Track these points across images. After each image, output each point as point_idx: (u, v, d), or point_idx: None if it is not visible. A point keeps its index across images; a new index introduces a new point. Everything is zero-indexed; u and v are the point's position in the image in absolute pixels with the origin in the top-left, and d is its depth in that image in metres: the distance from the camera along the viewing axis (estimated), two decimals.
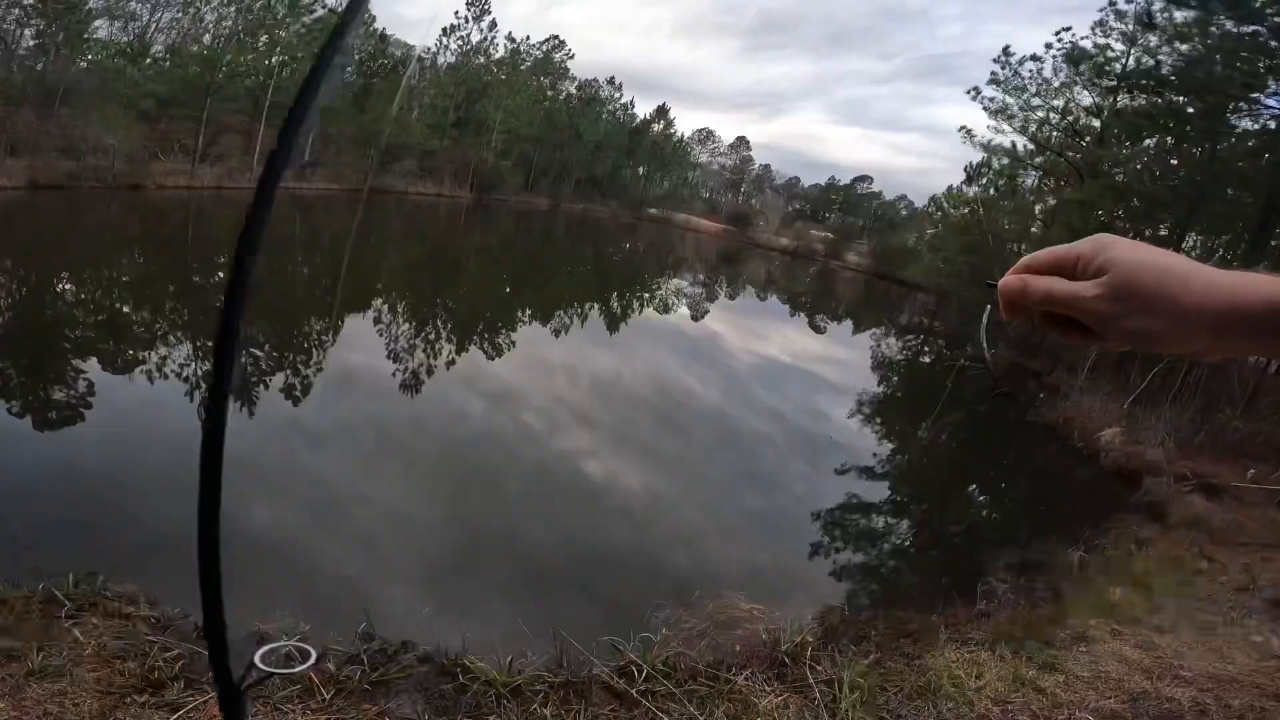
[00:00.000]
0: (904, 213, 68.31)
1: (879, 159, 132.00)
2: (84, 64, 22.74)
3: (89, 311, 9.20)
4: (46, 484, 4.50)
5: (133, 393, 6.46)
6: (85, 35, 22.90)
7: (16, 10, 20.47)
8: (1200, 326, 0.48)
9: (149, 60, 26.87)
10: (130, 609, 2.87)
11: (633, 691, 2.99)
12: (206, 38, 28.07)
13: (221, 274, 13.38)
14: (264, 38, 27.83)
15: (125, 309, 9.60)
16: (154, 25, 27.43)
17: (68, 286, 10.25)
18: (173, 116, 24.65)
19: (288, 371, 7.88)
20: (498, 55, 42.91)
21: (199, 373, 7.18)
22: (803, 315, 25.65)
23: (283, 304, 11.72)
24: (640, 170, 61.29)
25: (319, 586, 3.92)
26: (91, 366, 6.77)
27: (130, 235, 15.51)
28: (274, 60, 28.04)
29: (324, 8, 29.07)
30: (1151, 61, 16.88)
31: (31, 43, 21.57)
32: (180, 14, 27.76)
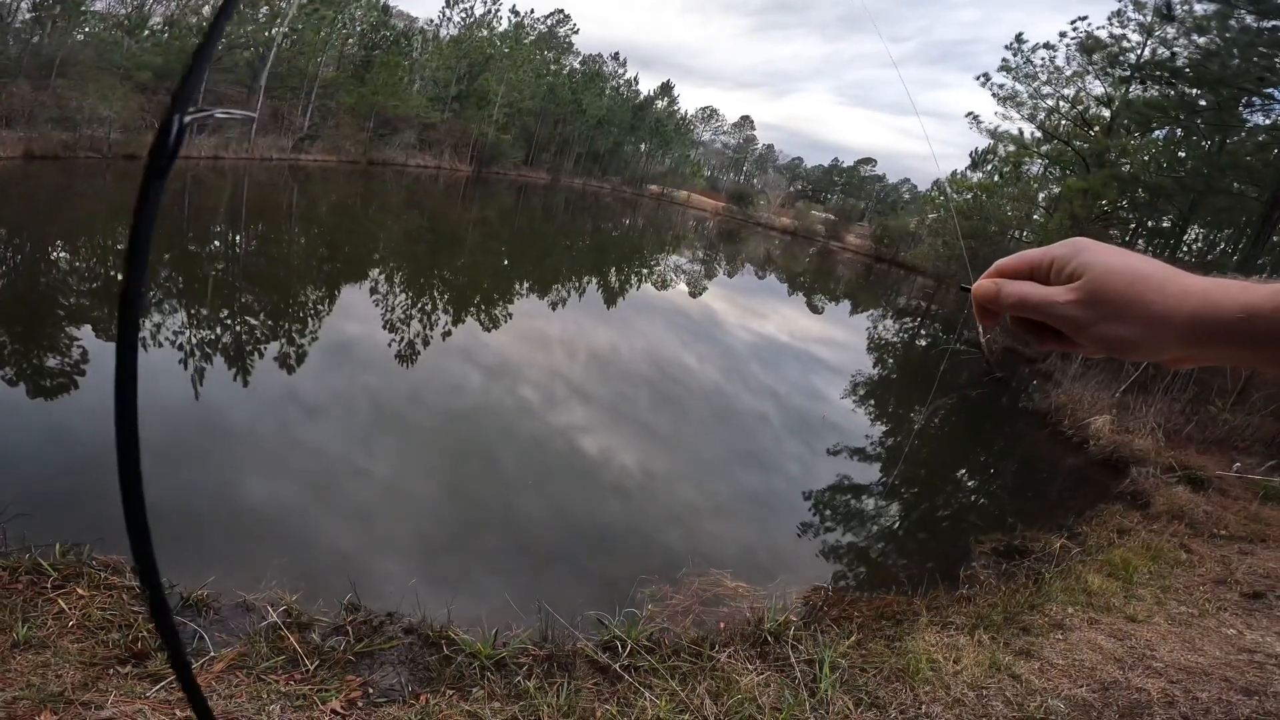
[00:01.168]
0: (907, 196, 67.92)
1: (886, 143, 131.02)
2: (80, 36, 22.39)
3: (83, 279, 9.14)
4: (39, 453, 4.48)
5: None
6: (83, 7, 22.54)
7: None
8: (1173, 334, 0.47)
9: (146, 32, 26.50)
10: (115, 579, 2.87)
11: (616, 666, 3.03)
12: (206, 9, 27.63)
13: (216, 243, 13.29)
14: (263, 8, 27.42)
15: (119, 277, 9.53)
16: None
17: (62, 255, 10.18)
18: (169, 88, 24.33)
19: (281, 341, 7.86)
20: (501, 28, 42.25)
21: (194, 341, 7.17)
22: (801, 295, 25.59)
23: (278, 272, 11.67)
24: (642, 147, 60.67)
25: (307, 557, 3.94)
26: (85, 334, 6.74)
27: (125, 205, 15.32)
28: (273, 32, 27.66)
29: None
30: (1167, 53, 16.74)
31: (28, 15, 21.24)
32: None
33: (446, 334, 9.80)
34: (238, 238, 14.00)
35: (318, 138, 29.84)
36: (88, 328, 6.97)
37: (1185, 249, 21.32)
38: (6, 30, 20.24)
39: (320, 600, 3.19)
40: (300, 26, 28.61)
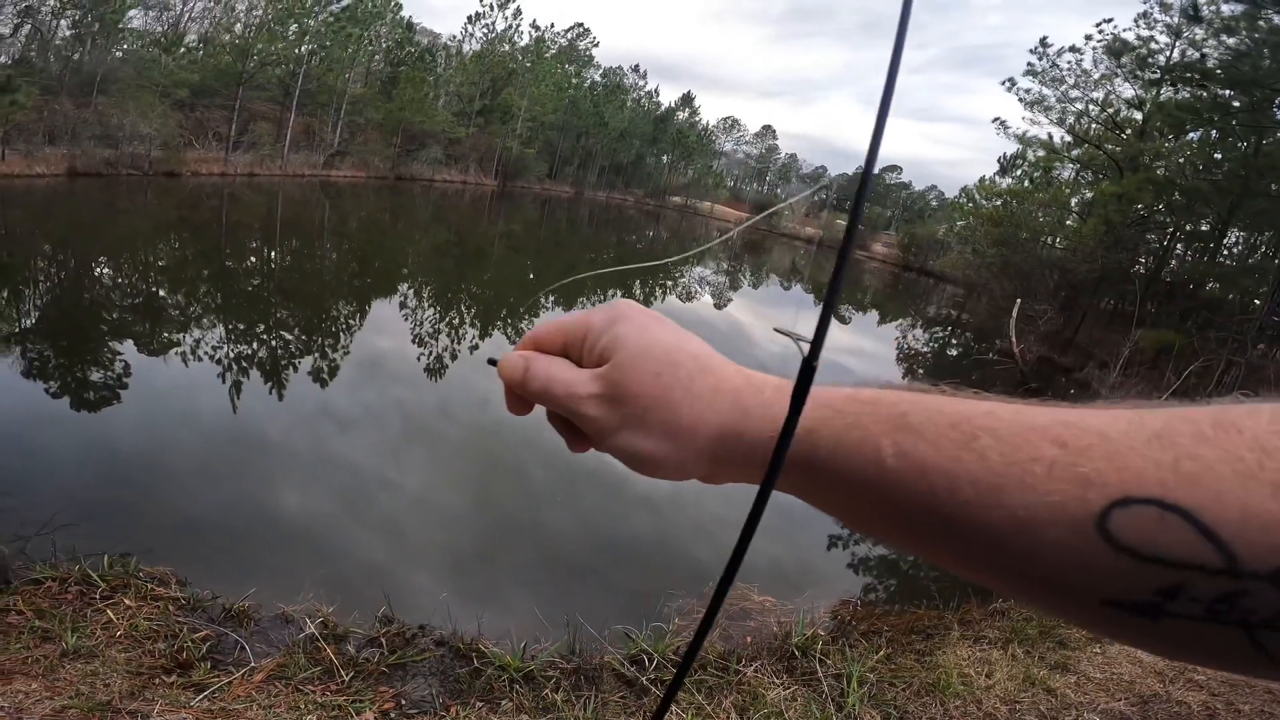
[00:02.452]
0: (934, 204, 67.12)
1: (912, 150, 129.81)
2: (119, 54, 23.28)
3: (125, 295, 9.47)
4: (84, 465, 4.60)
5: (167, 375, 6.64)
6: (120, 25, 23.41)
7: (53, 1, 20.96)
8: (697, 451, 0.36)
9: (182, 50, 27.44)
10: (161, 590, 2.96)
11: (643, 679, 3.04)
12: (238, 27, 28.63)
13: (253, 259, 13.67)
14: (293, 26, 28.20)
15: (161, 293, 9.87)
16: (187, 15, 28.00)
17: (105, 271, 10.55)
18: (206, 105, 25.19)
19: (315, 355, 8.05)
20: (522, 43, 42.92)
21: (232, 355, 7.38)
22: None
23: (312, 287, 11.96)
24: (664, 158, 60.99)
25: (343, 569, 4.03)
26: (128, 349, 6.97)
27: (166, 221, 15.89)
28: (303, 49, 28.45)
29: None
30: (1196, 55, 16.40)
31: (68, 32, 22.09)
32: (212, 3, 28.31)
33: (474, 347, 9.94)
34: (273, 253, 14.38)
35: (347, 154, 30.58)
36: (130, 342, 7.22)
37: (1225, 252, 20.70)
38: (47, 47, 21.02)
39: (356, 612, 3.25)
40: (329, 43, 29.38)
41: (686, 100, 59.15)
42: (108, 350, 6.91)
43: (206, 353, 7.29)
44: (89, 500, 4.00)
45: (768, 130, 77.01)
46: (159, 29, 26.93)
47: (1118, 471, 0.26)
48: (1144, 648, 0.27)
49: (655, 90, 57.35)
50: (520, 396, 0.43)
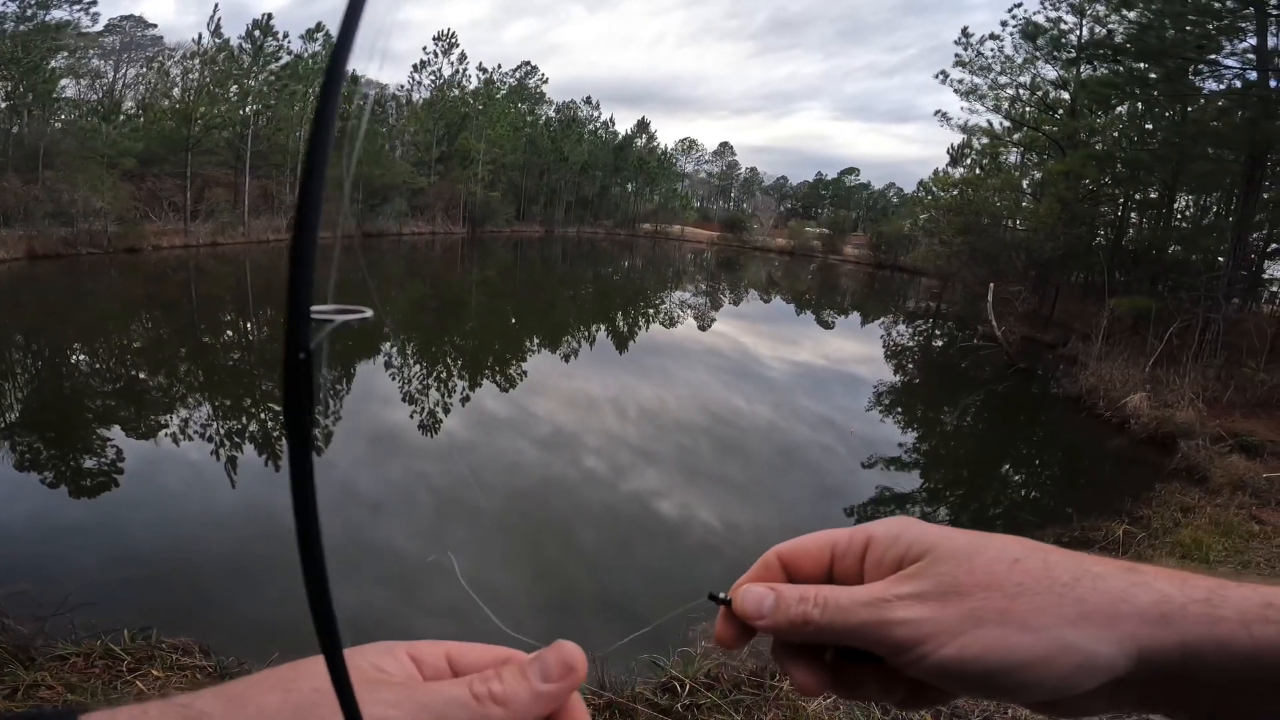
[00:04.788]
0: (895, 200, 68.48)
1: (888, 151, 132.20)
2: (58, 124, 23.00)
3: (105, 380, 9.27)
4: (92, 548, 4.62)
5: (161, 456, 6.51)
6: (54, 94, 23.12)
7: None
8: (1120, 640, 0.29)
9: (122, 117, 27.12)
10: (186, 660, 2.95)
11: (677, 706, 2.97)
12: (175, 91, 28.29)
13: (230, 333, 13.47)
14: (233, 88, 27.82)
15: (141, 375, 9.67)
16: (120, 81, 27.77)
17: (82, 357, 10.33)
18: (156, 174, 24.82)
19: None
20: (471, 86, 43.39)
21: (221, 431, 7.21)
22: (810, 312, 25.60)
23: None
24: (629, 186, 61.70)
25: (367, 628, 3.92)
26: (116, 434, 6.86)
27: (135, 300, 15.64)
28: (248, 110, 28.10)
29: (289, 54, 29.43)
30: (1103, 31, 16.82)
31: (3, 104, 21.87)
32: (144, 69, 28.03)
33: (465, 399, 9.81)
34: (249, 324, 14.20)
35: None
36: (117, 428, 7.06)
37: (1179, 216, 21.20)
38: None
39: None
40: (273, 102, 29.06)
41: (642, 126, 60.08)
42: (97, 438, 6.82)
43: (196, 431, 7.13)
44: (101, 580, 4.02)
45: (726, 147, 78.41)
46: (93, 97, 26.68)
47: None
48: None
49: (611, 119, 57.99)
50: (746, 630, 0.36)
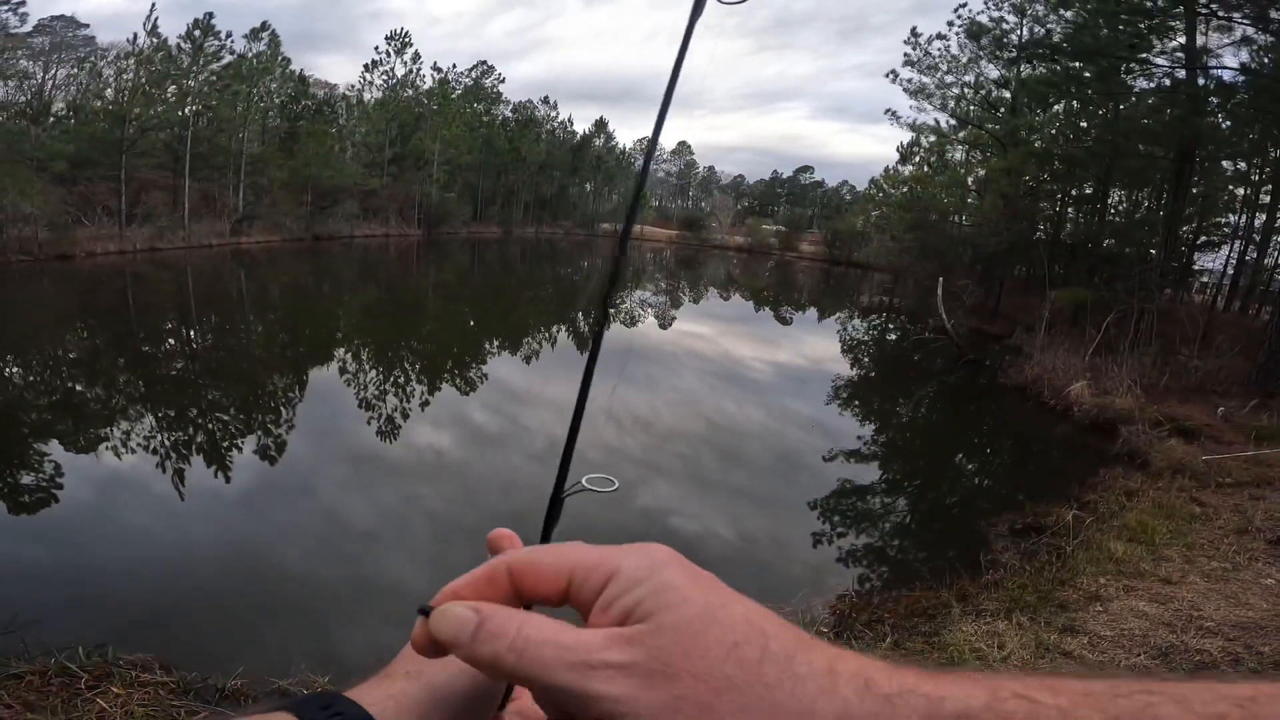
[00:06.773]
0: (848, 197, 69.89)
1: (866, 150, 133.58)
2: None
3: (40, 393, 8.78)
4: (36, 566, 4.45)
5: (101, 470, 6.22)
6: None
7: None
8: None
9: (52, 119, 25.80)
10: (147, 676, 2.88)
11: None
12: (109, 92, 26.96)
13: (172, 340, 12.92)
14: (171, 88, 26.63)
15: (78, 387, 9.19)
16: (50, 82, 26.38)
17: (14, 370, 9.77)
18: (89, 178, 23.51)
19: (259, 433, 7.62)
20: (425, 86, 42.56)
21: (166, 443, 6.91)
22: (767, 309, 25.93)
23: (242, 364, 11.36)
24: (587, 187, 61.45)
25: (331, 639, 3.89)
26: (54, 448, 6.51)
27: (68, 310, 14.85)
28: (187, 111, 26.94)
29: (231, 54, 28.31)
30: (1042, 30, 17.51)
31: None
32: (75, 69, 26.68)
33: (425, 404, 9.62)
34: (192, 332, 13.65)
35: (256, 218, 29.12)
36: (55, 442, 6.69)
37: (1112, 210, 22.16)
38: None
39: (354, 678, 3.05)
40: (215, 103, 27.89)
41: (600, 126, 59.94)
42: (34, 452, 6.45)
43: (139, 444, 6.80)
44: (49, 599, 3.89)
45: (684, 146, 78.73)
46: (22, 99, 25.34)
47: None
48: None
49: (569, 119, 57.63)
50: (439, 653, 0.30)
